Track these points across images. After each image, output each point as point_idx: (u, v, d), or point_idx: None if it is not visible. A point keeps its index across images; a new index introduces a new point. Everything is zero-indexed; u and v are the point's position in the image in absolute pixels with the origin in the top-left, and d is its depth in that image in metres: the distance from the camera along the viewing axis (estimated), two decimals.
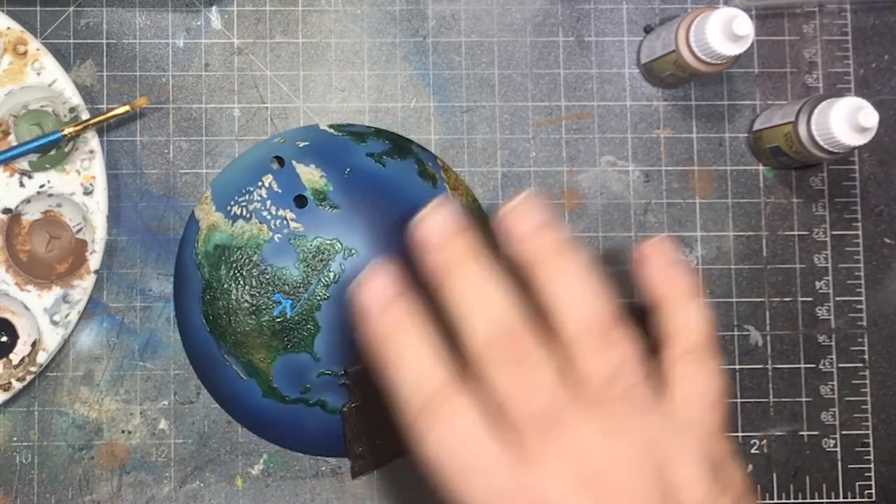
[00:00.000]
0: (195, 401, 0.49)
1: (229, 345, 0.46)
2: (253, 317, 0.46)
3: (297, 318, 0.45)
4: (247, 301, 0.46)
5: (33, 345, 0.47)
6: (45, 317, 0.47)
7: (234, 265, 0.46)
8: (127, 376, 0.49)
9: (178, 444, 0.48)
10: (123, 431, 0.48)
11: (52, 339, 0.47)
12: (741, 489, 0.32)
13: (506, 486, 0.30)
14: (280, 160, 0.47)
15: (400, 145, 0.49)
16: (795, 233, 0.51)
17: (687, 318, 0.34)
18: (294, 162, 0.47)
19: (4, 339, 0.47)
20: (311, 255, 0.45)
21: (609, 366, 0.31)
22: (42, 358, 0.46)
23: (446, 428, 0.30)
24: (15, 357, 0.47)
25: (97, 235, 0.47)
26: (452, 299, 0.31)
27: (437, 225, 0.33)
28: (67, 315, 0.47)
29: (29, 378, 0.46)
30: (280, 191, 0.46)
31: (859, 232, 0.51)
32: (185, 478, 0.48)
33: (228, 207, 0.47)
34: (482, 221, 0.49)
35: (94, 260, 0.47)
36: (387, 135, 0.49)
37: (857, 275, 0.51)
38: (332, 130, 0.49)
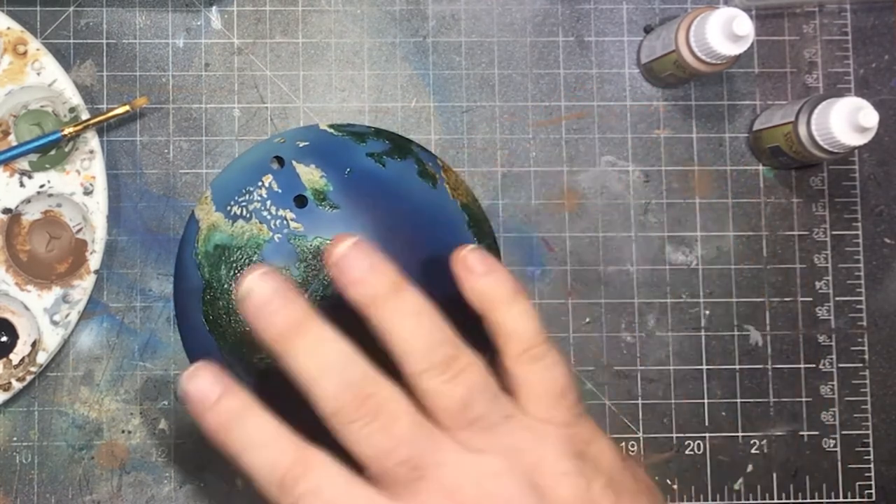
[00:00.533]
0: None
1: (229, 345, 0.46)
2: None
3: None
4: None
5: (33, 345, 0.47)
6: (45, 317, 0.47)
7: (235, 265, 0.46)
8: (127, 376, 0.49)
9: (178, 444, 0.48)
10: (123, 431, 0.48)
11: (52, 339, 0.47)
12: (611, 463, 0.32)
13: None
14: (280, 160, 0.47)
15: (400, 145, 0.49)
16: (795, 233, 0.51)
17: (512, 320, 0.34)
18: (294, 162, 0.47)
19: (4, 339, 0.47)
20: (311, 256, 0.45)
21: (458, 395, 0.31)
22: (42, 358, 0.46)
23: (313, 499, 0.30)
24: (15, 357, 0.47)
25: (97, 235, 0.47)
26: (294, 370, 0.31)
27: (264, 298, 0.32)
28: (67, 315, 0.47)
29: (29, 378, 0.46)
30: (280, 191, 0.46)
31: (859, 232, 0.51)
32: (185, 478, 0.48)
33: (228, 207, 0.47)
34: (483, 221, 0.49)
35: (94, 260, 0.47)
36: (387, 135, 0.49)
37: (857, 275, 0.51)
38: (332, 130, 0.49)
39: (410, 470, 0.30)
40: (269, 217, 0.46)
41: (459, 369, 0.32)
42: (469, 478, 0.30)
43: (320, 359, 0.31)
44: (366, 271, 0.32)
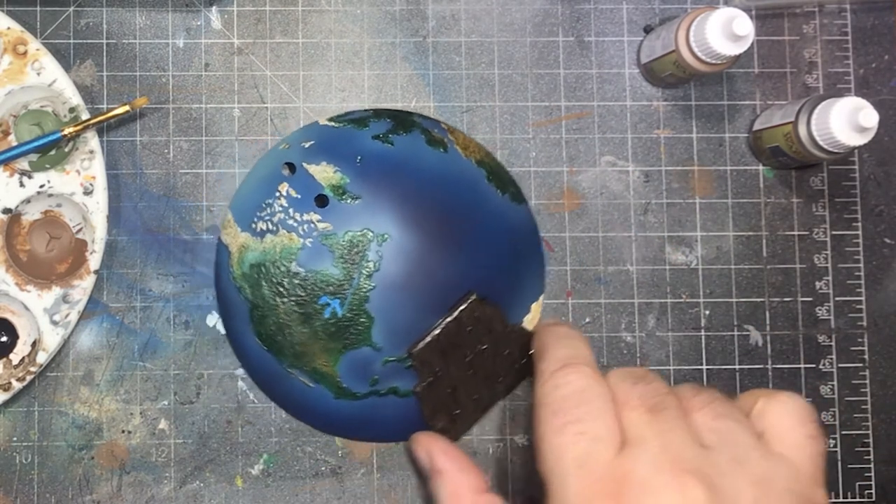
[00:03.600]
0: (195, 401, 0.49)
1: (289, 358, 0.46)
2: (306, 325, 0.45)
3: (348, 315, 0.45)
4: (295, 311, 0.45)
5: (33, 345, 0.47)
6: (45, 317, 0.47)
7: (274, 279, 0.46)
8: (127, 376, 0.49)
9: (178, 444, 0.48)
10: (123, 431, 0.48)
11: (52, 339, 0.47)
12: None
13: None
14: (290, 166, 0.47)
15: (402, 120, 0.49)
16: (795, 233, 0.51)
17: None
18: (304, 164, 0.47)
19: (4, 339, 0.47)
20: (346, 251, 0.45)
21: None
22: (42, 358, 0.46)
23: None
24: (15, 357, 0.47)
25: (97, 235, 0.47)
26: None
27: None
28: (67, 315, 0.47)
29: (29, 378, 0.46)
30: (299, 196, 0.46)
31: (859, 232, 0.51)
32: (185, 478, 0.48)
33: (253, 225, 0.47)
34: (501, 172, 0.49)
35: (94, 260, 0.47)
36: (386, 113, 0.49)
37: (857, 275, 0.51)
38: (332, 123, 0.49)
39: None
40: (295, 224, 0.46)
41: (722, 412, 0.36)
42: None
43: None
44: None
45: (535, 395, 0.38)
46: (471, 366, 0.46)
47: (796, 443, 0.35)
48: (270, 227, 0.46)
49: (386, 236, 0.45)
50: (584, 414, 0.35)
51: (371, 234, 0.45)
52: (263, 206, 0.47)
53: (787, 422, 0.35)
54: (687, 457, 0.33)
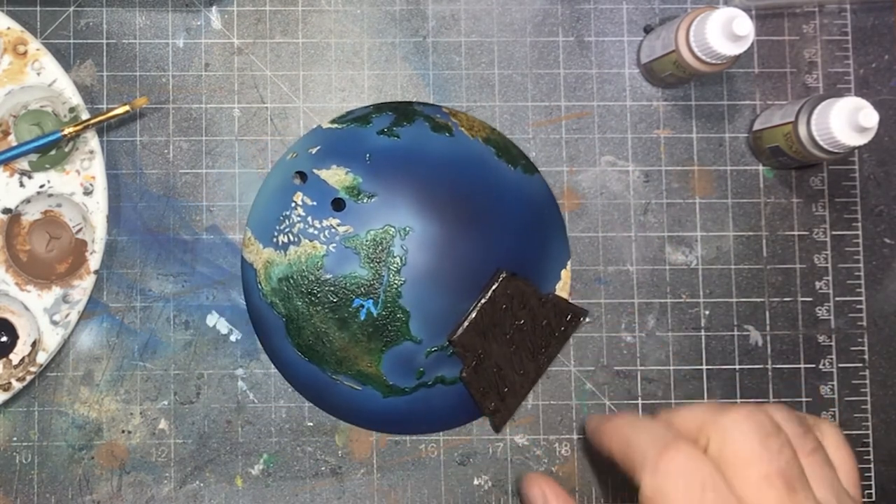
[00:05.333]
0: (195, 401, 0.49)
1: (332, 365, 0.46)
2: (343, 330, 0.46)
3: (384, 313, 0.45)
4: (331, 318, 0.46)
5: (33, 345, 0.47)
6: (45, 317, 0.47)
7: (305, 290, 0.46)
8: (127, 376, 0.49)
9: (178, 444, 0.48)
10: (123, 431, 0.48)
11: (52, 339, 0.47)
12: None
13: None
14: (301, 175, 0.47)
15: (404, 111, 0.49)
16: (795, 233, 0.51)
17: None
18: (314, 170, 0.47)
19: (4, 339, 0.47)
20: (371, 250, 0.45)
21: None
22: (42, 358, 0.46)
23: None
24: (15, 357, 0.47)
25: (97, 235, 0.47)
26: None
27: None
28: (67, 315, 0.47)
29: (29, 378, 0.46)
30: (315, 203, 0.46)
31: (859, 232, 0.51)
32: (185, 478, 0.48)
33: (274, 239, 0.47)
34: (509, 146, 0.49)
35: (94, 260, 0.47)
36: (387, 107, 0.49)
37: (857, 275, 0.51)
38: (335, 125, 0.49)
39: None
40: (315, 232, 0.46)
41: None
42: None
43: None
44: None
45: (644, 490, 0.36)
46: (512, 342, 0.47)
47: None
48: (292, 238, 0.46)
49: (408, 229, 0.45)
50: (712, 501, 0.34)
51: (393, 229, 0.45)
52: (281, 218, 0.47)
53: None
54: None
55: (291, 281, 0.46)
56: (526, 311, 0.47)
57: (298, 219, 0.46)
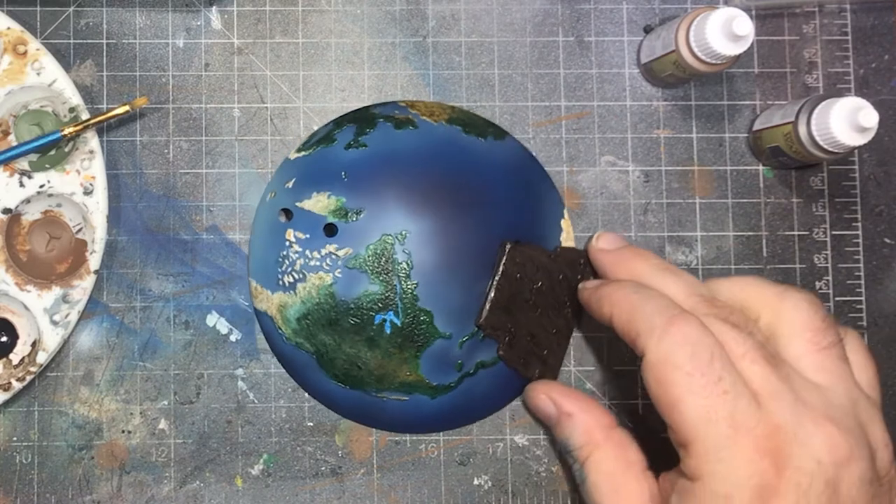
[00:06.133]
0: (195, 401, 0.49)
1: (373, 384, 0.46)
2: (374, 349, 0.46)
3: (407, 320, 0.45)
4: (359, 341, 0.46)
5: (33, 345, 0.47)
6: (45, 317, 0.47)
7: (325, 322, 0.46)
8: (127, 376, 0.49)
9: (178, 444, 0.48)
10: (123, 431, 0.48)
11: (52, 339, 0.47)
12: None
13: None
14: (286, 212, 0.47)
15: (363, 118, 0.49)
16: (795, 233, 0.51)
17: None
18: (297, 204, 0.47)
19: (4, 339, 0.47)
20: (376, 264, 0.45)
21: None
22: (42, 358, 0.46)
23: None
24: (15, 357, 0.47)
25: (97, 235, 0.47)
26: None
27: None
28: (67, 315, 0.47)
29: (29, 378, 0.46)
30: (307, 235, 0.46)
31: (859, 232, 0.51)
32: (185, 478, 0.48)
33: (279, 282, 0.47)
34: (474, 119, 0.49)
35: (94, 260, 0.47)
36: (346, 119, 0.49)
37: (857, 275, 0.51)
38: (302, 153, 0.49)
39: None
40: (317, 263, 0.46)
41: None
42: None
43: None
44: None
45: (649, 357, 0.37)
46: (536, 306, 0.47)
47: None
48: (297, 276, 0.46)
49: (405, 233, 0.45)
50: (720, 370, 0.35)
51: (390, 237, 0.45)
52: (280, 259, 0.47)
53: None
54: (817, 404, 0.35)
55: (310, 318, 0.46)
56: (540, 272, 0.47)
57: (297, 255, 0.46)
